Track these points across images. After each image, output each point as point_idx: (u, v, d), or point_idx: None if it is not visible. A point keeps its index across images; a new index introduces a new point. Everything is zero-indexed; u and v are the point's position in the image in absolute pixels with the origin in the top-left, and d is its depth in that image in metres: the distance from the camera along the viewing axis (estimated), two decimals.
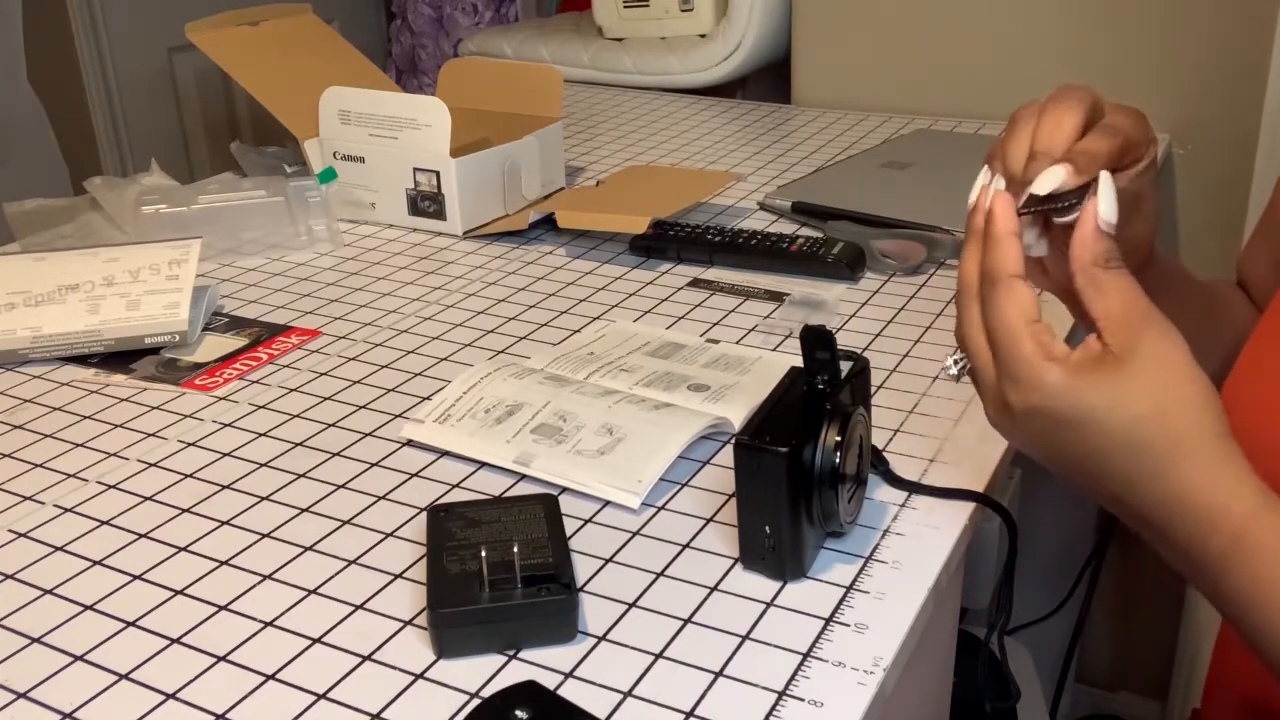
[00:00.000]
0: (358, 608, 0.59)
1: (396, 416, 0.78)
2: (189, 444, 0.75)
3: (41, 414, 0.80)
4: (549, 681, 0.53)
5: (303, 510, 0.68)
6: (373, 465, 0.72)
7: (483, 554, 0.57)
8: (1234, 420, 0.53)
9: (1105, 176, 0.54)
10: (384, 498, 0.69)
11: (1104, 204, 0.53)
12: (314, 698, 0.53)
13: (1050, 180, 0.54)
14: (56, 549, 0.65)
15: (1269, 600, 0.51)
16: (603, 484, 0.67)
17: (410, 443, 0.75)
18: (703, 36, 1.68)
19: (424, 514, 0.65)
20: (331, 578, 0.61)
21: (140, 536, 0.66)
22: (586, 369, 0.80)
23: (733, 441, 0.59)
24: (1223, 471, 0.52)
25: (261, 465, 0.73)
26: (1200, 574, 0.54)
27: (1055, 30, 1.43)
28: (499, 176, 1.14)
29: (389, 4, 2.59)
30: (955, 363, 0.59)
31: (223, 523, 0.67)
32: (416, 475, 0.71)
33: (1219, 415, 0.52)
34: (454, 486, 0.70)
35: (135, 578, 0.62)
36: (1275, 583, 0.51)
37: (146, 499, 0.69)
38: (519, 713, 0.49)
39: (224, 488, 0.70)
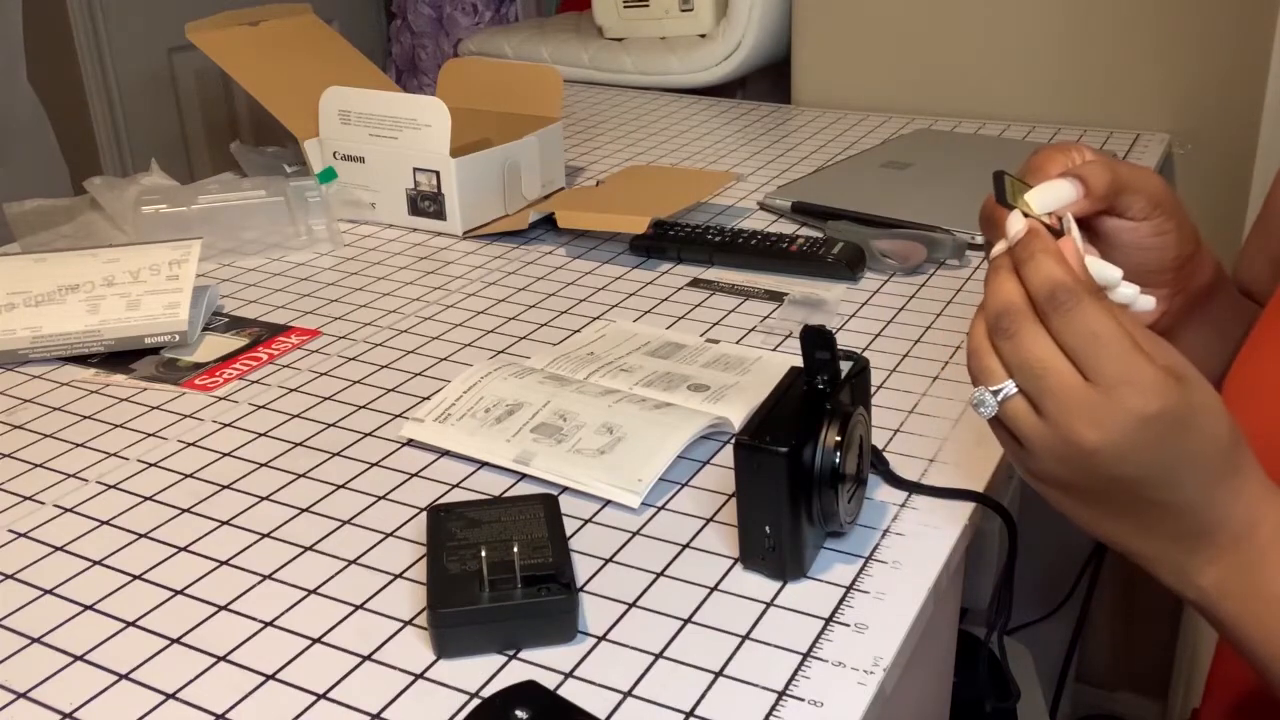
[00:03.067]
0: (358, 608, 0.59)
1: (396, 416, 0.78)
2: (189, 444, 0.75)
3: (41, 414, 0.80)
4: (549, 681, 0.53)
5: (302, 510, 0.68)
6: (373, 465, 0.72)
7: (483, 554, 0.57)
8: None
9: (1069, 220, 0.54)
10: (384, 498, 0.69)
11: (1075, 234, 0.53)
12: (314, 698, 0.53)
13: (1054, 194, 0.55)
14: (56, 549, 0.65)
15: None
16: (602, 483, 0.67)
17: (410, 443, 0.75)
18: (703, 36, 1.68)
19: (424, 514, 0.65)
20: (331, 578, 0.61)
21: (140, 536, 0.66)
22: (586, 369, 0.80)
23: (733, 441, 0.59)
24: (1255, 466, 0.53)
25: (261, 465, 0.73)
26: (1234, 580, 0.53)
27: (1056, 30, 1.43)
28: (499, 176, 1.14)
29: (389, 4, 2.60)
30: (994, 393, 0.52)
31: (223, 523, 0.67)
32: (416, 475, 0.71)
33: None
34: (454, 486, 0.70)
35: (135, 578, 0.62)
36: None
37: (146, 499, 0.69)
38: (519, 713, 0.49)
39: (224, 488, 0.70)
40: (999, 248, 0.53)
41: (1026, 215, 0.53)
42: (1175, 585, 0.55)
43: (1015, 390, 0.52)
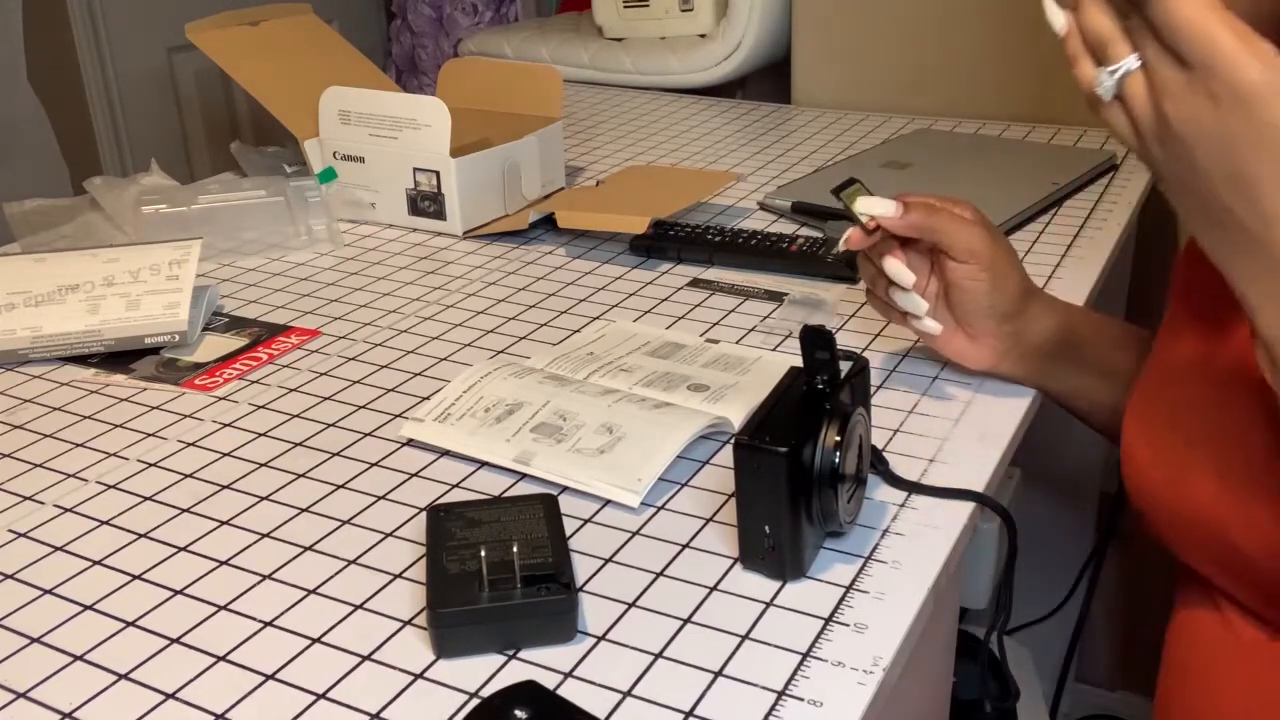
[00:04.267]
0: (357, 608, 0.59)
1: (396, 416, 0.78)
2: (189, 444, 0.75)
3: (41, 414, 0.80)
4: (548, 681, 0.53)
5: (302, 510, 0.68)
6: (372, 465, 0.72)
7: (482, 554, 0.57)
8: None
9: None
10: (384, 498, 0.69)
11: None
12: (313, 697, 0.53)
13: (878, 205, 0.72)
14: (56, 549, 0.65)
15: None
16: (602, 482, 0.67)
17: (410, 443, 0.75)
18: (703, 36, 1.68)
19: (424, 514, 0.65)
20: (331, 578, 0.61)
21: (140, 536, 0.66)
22: (586, 369, 0.80)
23: (732, 441, 0.59)
24: None
25: (261, 465, 0.73)
26: None
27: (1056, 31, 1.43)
28: (499, 176, 1.14)
29: (389, 4, 2.59)
30: (1111, 73, 0.53)
31: (222, 523, 0.67)
32: (416, 475, 0.71)
33: None
34: (454, 486, 0.70)
35: (135, 578, 0.62)
36: None
37: (146, 499, 0.69)
38: (518, 712, 0.49)
39: (224, 488, 0.70)
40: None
41: (847, 208, 0.72)
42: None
43: (1137, 62, 0.52)
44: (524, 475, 0.70)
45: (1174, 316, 0.72)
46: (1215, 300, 0.65)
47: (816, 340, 0.61)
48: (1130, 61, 0.52)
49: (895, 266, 0.73)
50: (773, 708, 0.51)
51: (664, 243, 1.04)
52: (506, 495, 0.68)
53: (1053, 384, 0.80)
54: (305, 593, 0.60)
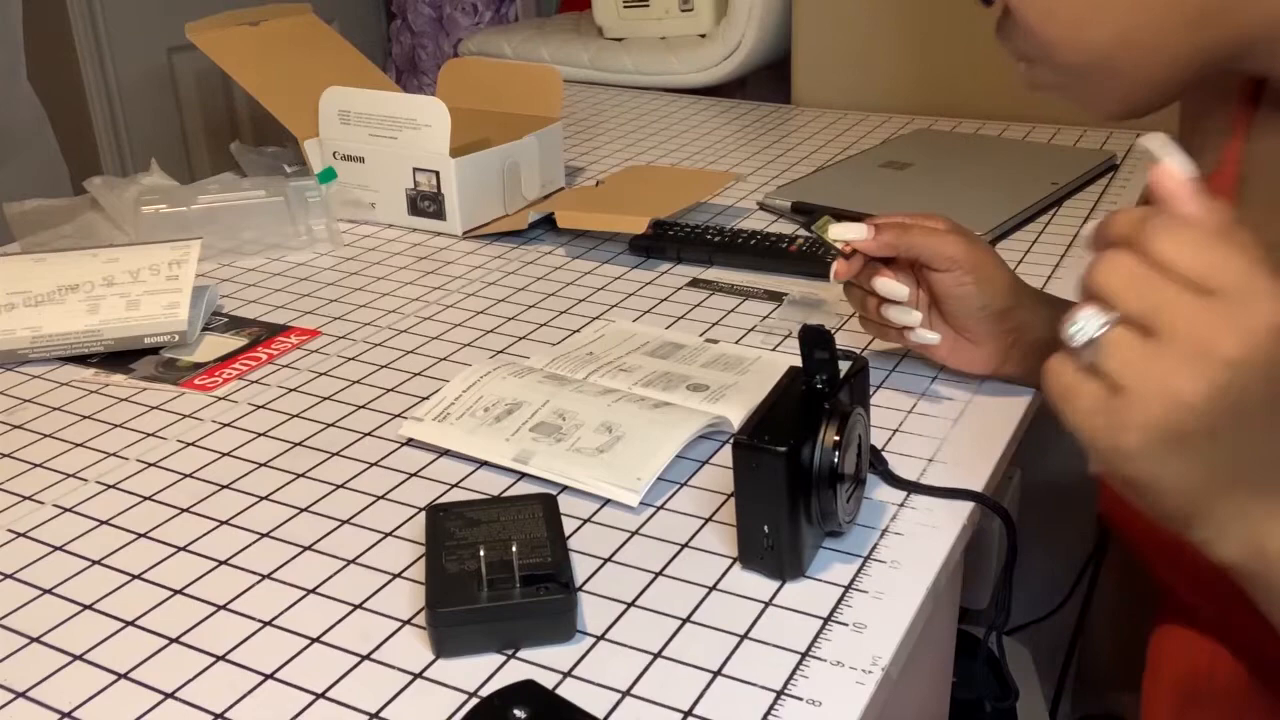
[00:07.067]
0: (356, 607, 0.59)
1: (396, 416, 0.78)
2: (188, 444, 0.75)
3: (41, 414, 0.80)
4: (547, 681, 0.53)
5: (302, 510, 0.68)
6: (372, 465, 0.72)
7: (481, 553, 0.57)
8: None
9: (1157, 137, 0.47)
10: (383, 497, 0.69)
11: (1172, 160, 0.46)
12: (313, 697, 0.53)
13: (851, 230, 0.73)
14: (56, 549, 0.65)
15: None
16: (601, 481, 0.67)
17: (410, 442, 0.75)
18: (703, 36, 1.68)
19: (423, 513, 0.65)
20: (330, 577, 0.61)
21: (139, 536, 0.66)
22: (586, 369, 0.80)
23: (731, 441, 0.59)
24: None
25: (260, 465, 0.73)
26: None
27: None
28: (499, 176, 1.14)
29: (389, 4, 2.60)
30: (1099, 324, 0.44)
31: (222, 522, 0.67)
32: (415, 475, 0.71)
33: None
34: (453, 486, 0.70)
35: (134, 577, 0.62)
36: None
37: (146, 499, 0.69)
38: (517, 712, 0.49)
39: (223, 487, 0.70)
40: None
41: (824, 240, 0.74)
42: (1246, 549, 0.47)
43: (1117, 318, 0.44)
44: (523, 475, 0.70)
45: None
46: None
47: (816, 340, 0.61)
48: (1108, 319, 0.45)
49: (885, 283, 0.74)
50: (772, 707, 0.51)
51: (664, 243, 1.04)
52: (506, 495, 0.68)
53: None
54: (304, 592, 0.60)
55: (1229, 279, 0.42)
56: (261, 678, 0.54)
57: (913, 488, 0.67)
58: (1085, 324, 0.45)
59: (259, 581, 0.61)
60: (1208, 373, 0.43)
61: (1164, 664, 0.75)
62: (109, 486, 0.71)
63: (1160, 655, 0.75)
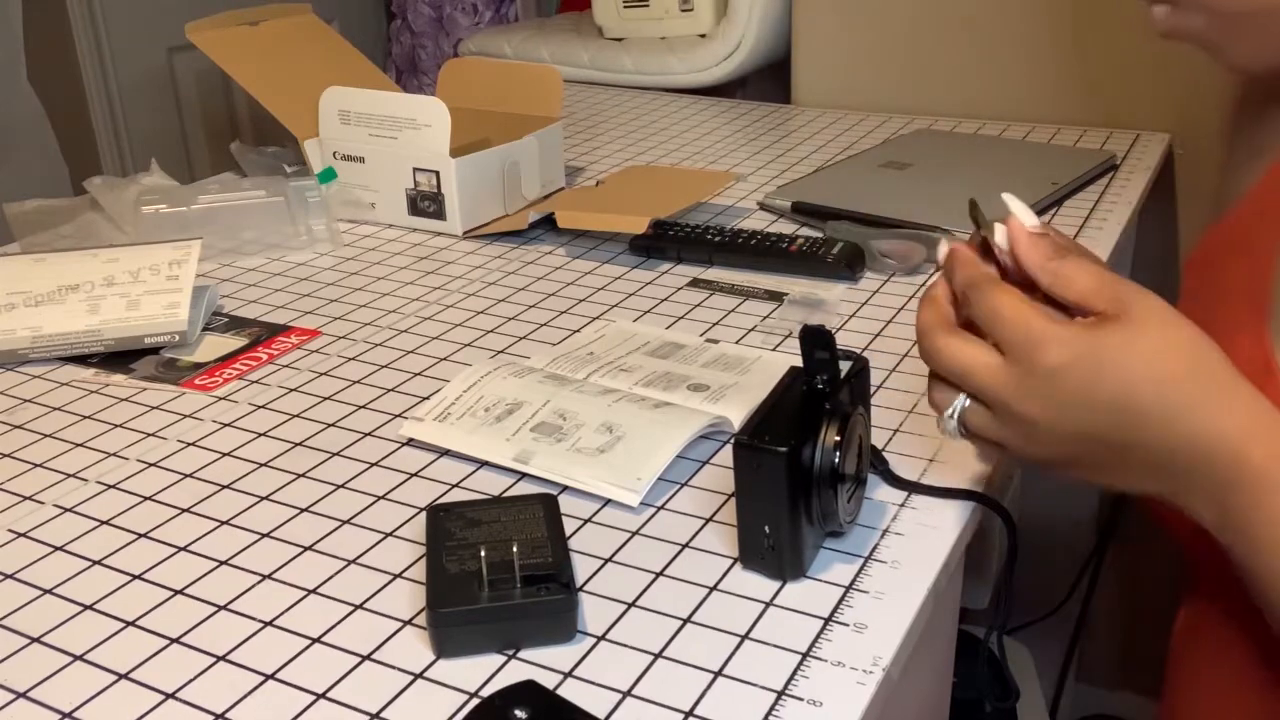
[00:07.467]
0: (357, 607, 0.59)
1: (396, 416, 0.78)
2: (189, 444, 0.75)
3: (41, 414, 0.80)
4: (548, 681, 0.53)
5: (302, 510, 0.68)
6: (372, 465, 0.72)
7: (482, 553, 0.57)
8: None
9: (1006, 197, 0.58)
10: (383, 497, 0.69)
11: (1021, 216, 0.57)
12: (313, 697, 0.53)
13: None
14: (56, 549, 0.65)
15: None
16: (602, 481, 0.67)
17: (410, 442, 0.75)
18: (703, 36, 1.68)
19: (423, 514, 0.65)
20: (331, 577, 0.61)
21: (140, 536, 0.66)
22: (586, 369, 0.80)
23: (732, 441, 0.59)
24: (1243, 391, 0.52)
25: (261, 465, 0.73)
26: (1231, 514, 0.52)
27: (1056, 30, 1.43)
28: (499, 176, 1.14)
29: (389, 4, 2.59)
30: (951, 416, 0.57)
31: (222, 522, 0.67)
32: (416, 475, 0.71)
33: (1220, 352, 0.52)
34: (453, 486, 0.70)
35: (135, 577, 0.62)
36: None
37: (146, 499, 0.69)
38: (518, 712, 0.49)
39: (223, 488, 0.70)
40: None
41: (976, 219, 0.61)
42: (1203, 521, 0.54)
43: (966, 403, 0.56)
44: (524, 475, 0.70)
45: None
46: (1219, 308, 0.65)
47: (816, 340, 0.61)
48: (960, 402, 0.57)
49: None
50: (772, 707, 0.51)
51: (664, 243, 1.04)
52: (506, 495, 0.68)
53: None
54: (305, 593, 0.60)
55: (1014, 336, 0.53)
56: (262, 678, 0.54)
57: (913, 488, 0.67)
58: (950, 413, 0.57)
59: (259, 582, 0.61)
60: (1021, 430, 0.54)
61: (1199, 642, 0.74)
62: (109, 486, 0.71)
63: (1193, 634, 0.75)
